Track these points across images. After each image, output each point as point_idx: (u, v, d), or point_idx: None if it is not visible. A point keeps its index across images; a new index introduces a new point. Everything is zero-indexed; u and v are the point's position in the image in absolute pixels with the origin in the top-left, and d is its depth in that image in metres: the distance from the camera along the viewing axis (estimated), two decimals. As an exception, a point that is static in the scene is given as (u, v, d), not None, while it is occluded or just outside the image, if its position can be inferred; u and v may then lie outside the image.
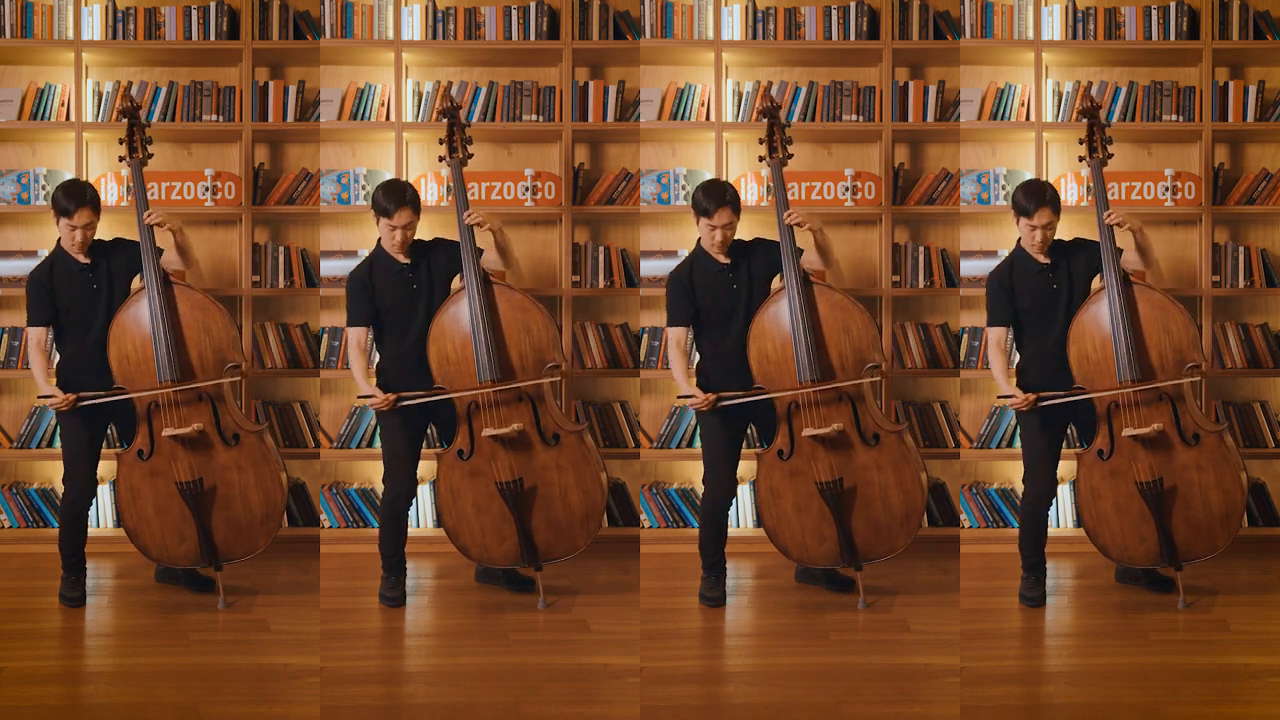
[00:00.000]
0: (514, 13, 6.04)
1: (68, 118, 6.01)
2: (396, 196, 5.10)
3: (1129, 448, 5.03)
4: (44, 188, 6.00)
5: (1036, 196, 5.06)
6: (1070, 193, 6.01)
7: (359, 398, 5.18)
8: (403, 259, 5.14)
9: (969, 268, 5.99)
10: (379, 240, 5.18)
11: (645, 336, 6.05)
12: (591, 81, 6.09)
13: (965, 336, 6.01)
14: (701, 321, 5.17)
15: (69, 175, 6.01)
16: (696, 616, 5.06)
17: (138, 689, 4.36)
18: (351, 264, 5.99)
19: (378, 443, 6.01)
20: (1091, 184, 5.28)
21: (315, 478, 6.04)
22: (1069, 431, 5.45)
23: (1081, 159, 5.23)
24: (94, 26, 6.01)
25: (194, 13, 6.01)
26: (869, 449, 5.08)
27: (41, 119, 6.02)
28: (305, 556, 5.62)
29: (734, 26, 6.04)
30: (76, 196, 5.08)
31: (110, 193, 6.01)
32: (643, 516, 6.00)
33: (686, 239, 6.09)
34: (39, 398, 5.09)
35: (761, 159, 5.26)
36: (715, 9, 6.01)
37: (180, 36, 6.01)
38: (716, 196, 5.10)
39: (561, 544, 5.14)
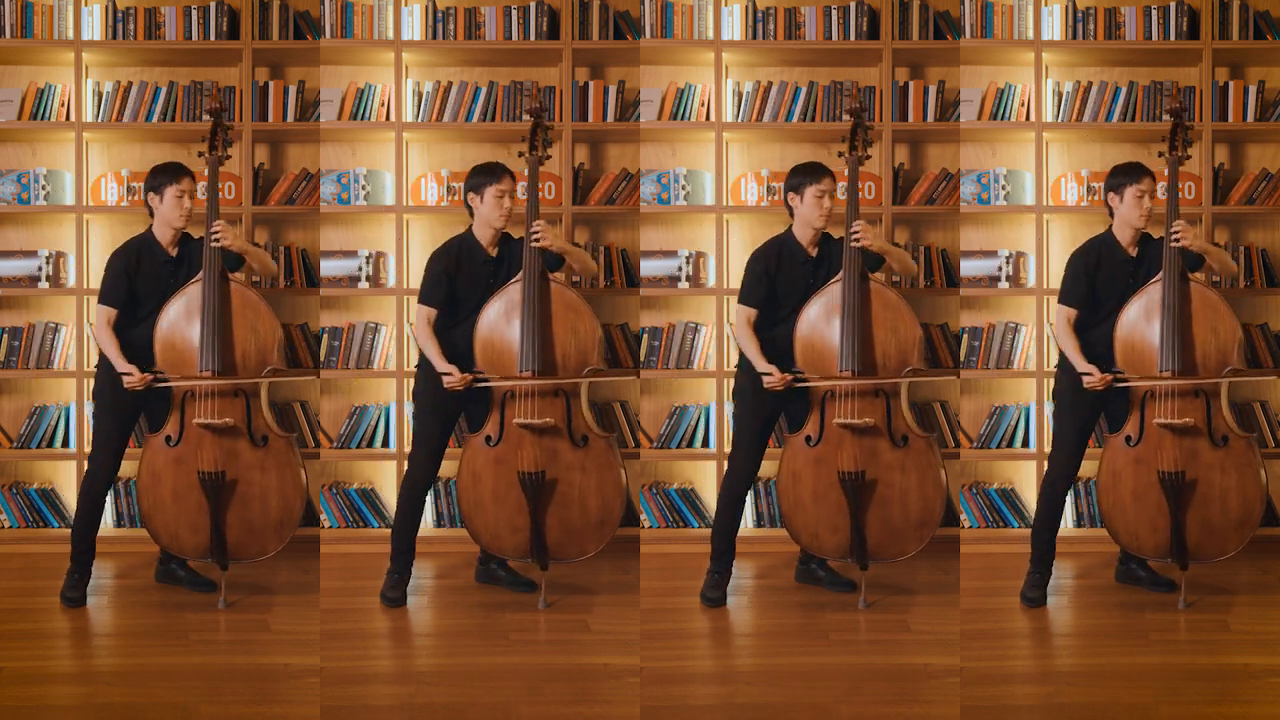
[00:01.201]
0: (514, 13, 6.03)
1: (68, 118, 6.01)
2: (495, 164, 5.17)
3: (1157, 436, 5.03)
4: (44, 188, 6.00)
5: (1136, 164, 5.13)
6: (1070, 193, 6.02)
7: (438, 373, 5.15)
8: (491, 251, 5.16)
9: (969, 268, 5.99)
10: (469, 227, 5.18)
11: (645, 336, 6.05)
12: (591, 81, 6.09)
13: (965, 337, 6.01)
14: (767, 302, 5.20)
15: (69, 175, 6.02)
16: (697, 616, 5.06)
17: (138, 689, 4.36)
18: (352, 264, 6.00)
19: (377, 443, 6.04)
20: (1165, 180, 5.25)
21: (315, 478, 6.04)
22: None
23: (1161, 154, 5.20)
24: (94, 26, 6.01)
25: (194, 13, 6.01)
26: (896, 449, 5.09)
27: (41, 119, 6.02)
28: (305, 556, 5.62)
29: (734, 26, 6.04)
30: (175, 164, 5.18)
31: (110, 193, 6.02)
32: (643, 516, 6.00)
33: (687, 239, 6.10)
34: (119, 373, 5.07)
35: (841, 154, 5.27)
36: (715, 9, 6.00)
37: (180, 36, 6.01)
38: (816, 164, 5.18)
39: (571, 546, 5.13)
